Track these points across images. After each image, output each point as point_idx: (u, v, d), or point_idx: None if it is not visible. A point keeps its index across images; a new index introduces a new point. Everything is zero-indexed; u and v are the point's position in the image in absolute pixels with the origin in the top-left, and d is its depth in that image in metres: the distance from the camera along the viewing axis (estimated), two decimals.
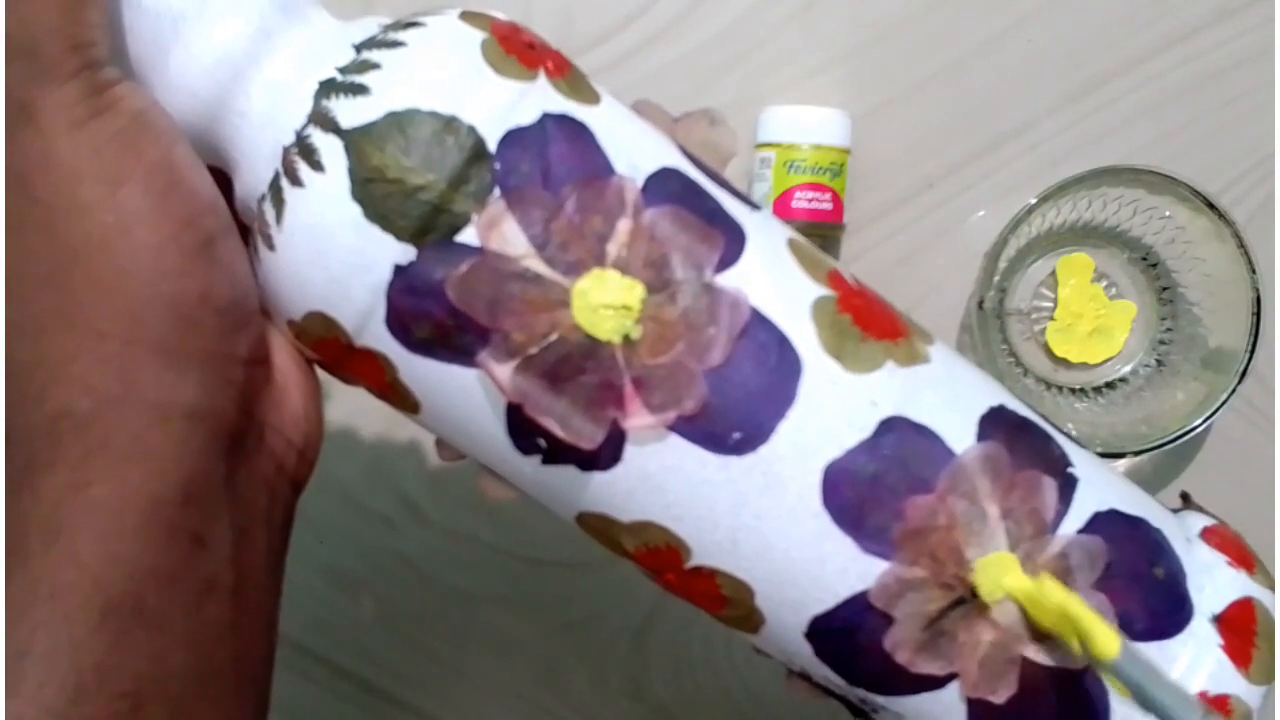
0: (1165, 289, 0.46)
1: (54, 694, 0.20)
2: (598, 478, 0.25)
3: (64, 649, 0.20)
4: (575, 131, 0.25)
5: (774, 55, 0.47)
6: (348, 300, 0.24)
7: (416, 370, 0.25)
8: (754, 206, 0.27)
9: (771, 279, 0.25)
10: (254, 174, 0.25)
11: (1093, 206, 0.45)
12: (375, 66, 0.24)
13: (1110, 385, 0.47)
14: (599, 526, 0.27)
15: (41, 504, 0.21)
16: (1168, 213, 0.43)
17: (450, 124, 0.23)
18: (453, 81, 0.24)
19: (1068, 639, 0.24)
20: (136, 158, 0.22)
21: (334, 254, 0.24)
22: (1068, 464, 0.27)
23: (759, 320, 0.25)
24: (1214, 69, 0.46)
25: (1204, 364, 0.43)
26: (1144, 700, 0.23)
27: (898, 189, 0.47)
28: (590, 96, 0.26)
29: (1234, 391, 0.41)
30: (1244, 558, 0.28)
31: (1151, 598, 0.26)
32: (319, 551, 0.47)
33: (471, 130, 0.23)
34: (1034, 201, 0.42)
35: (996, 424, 0.26)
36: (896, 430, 0.25)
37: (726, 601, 0.26)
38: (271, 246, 0.24)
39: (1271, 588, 0.28)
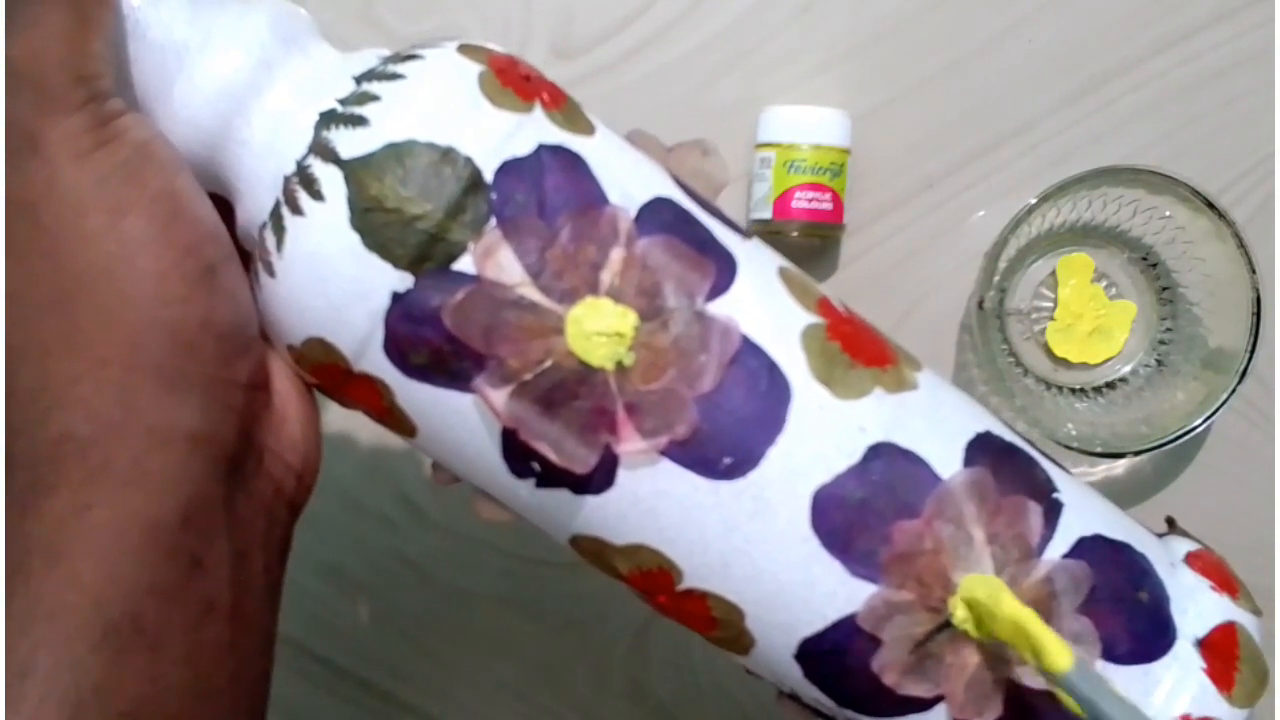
0: (1165, 289, 0.46)
1: (53, 712, 0.20)
2: (591, 501, 0.26)
3: (64, 668, 0.21)
4: (570, 162, 0.25)
5: (774, 55, 0.47)
6: (347, 326, 0.24)
7: (413, 395, 0.25)
8: (745, 235, 0.28)
9: (762, 307, 0.26)
10: (255, 202, 0.25)
11: (1093, 206, 0.45)
12: (375, 98, 0.24)
13: (1110, 385, 0.47)
14: (593, 549, 0.27)
15: (44, 525, 0.21)
16: (1168, 213, 0.43)
17: (447, 155, 0.24)
18: (450, 113, 0.24)
19: (1021, 651, 0.25)
20: (140, 187, 0.22)
21: (333, 281, 0.24)
22: (1053, 489, 0.27)
23: (749, 347, 0.25)
24: (1214, 69, 0.46)
25: (1204, 364, 0.43)
26: (1095, 717, 0.24)
27: (898, 189, 0.47)
28: (585, 127, 0.26)
29: (1234, 391, 0.41)
30: (1227, 582, 0.29)
31: (1135, 621, 0.26)
32: (319, 551, 0.47)
33: (468, 161, 0.24)
34: (1034, 201, 0.42)
35: (983, 450, 0.27)
36: (884, 456, 0.26)
37: (717, 623, 0.27)
38: (272, 273, 0.25)
39: (1255, 612, 0.28)
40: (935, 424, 0.27)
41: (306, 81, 0.25)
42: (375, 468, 0.47)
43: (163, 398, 0.22)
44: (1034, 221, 0.43)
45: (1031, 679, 0.26)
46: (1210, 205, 0.41)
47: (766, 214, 0.44)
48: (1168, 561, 0.28)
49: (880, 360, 0.27)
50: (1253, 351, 0.41)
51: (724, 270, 0.26)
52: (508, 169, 0.24)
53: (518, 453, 0.25)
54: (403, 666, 0.48)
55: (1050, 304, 0.47)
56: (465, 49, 0.26)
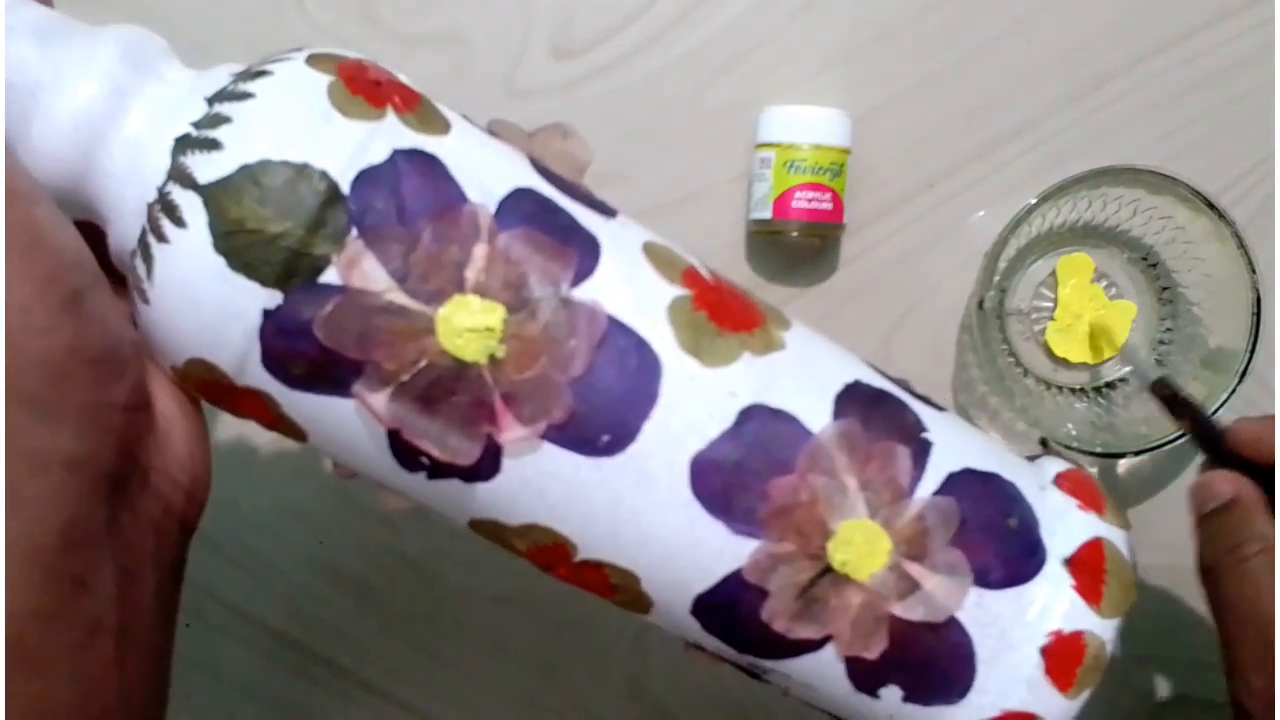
0: (1165, 289, 0.46)
1: None
2: (481, 488, 0.27)
3: None
4: (426, 165, 0.26)
5: (774, 55, 0.47)
6: (223, 346, 0.25)
7: (298, 405, 0.26)
8: (609, 214, 0.28)
9: (626, 286, 0.27)
10: (124, 230, 0.26)
11: (1093, 206, 0.45)
12: (226, 120, 0.25)
13: (1110, 385, 0.47)
14: (490, 531, 0.28)
15: None
16: (1168, 213, 0.43)
17: (302, 171, 0.24)
18: (301, 129, 0.25)
19: None
20: None
21: (205, 304, 0.25)
22: (921, 430, 0.29)
23: (617, 327, 0.26)
24: (1214, 69, 0.46)
25: (1204, 364, 0.43)
26: None
27: (898, 189, 0.47)
28: (440, 127, 0.27)
29: (1234, 391, 0.41)
30: (1094, 500, 0.30)
31: (1005, 547, 0.28)
32: (319, 551, 0.47)
33: (323, 175, 0.24)
34: (1034, 201, 0.42)
35: (851, 400, 0.28)
36: (756, 418, 0.27)
37: (616, 589, 0.28)
38: (146, 300, 0.25)
39: (1122, 526, 0.30)
40: (804, 380, 0.28)
41: (161, 107, 0.25)
42: None
43: (36, 426, 0.22)
44: (1034, 221, 0.43)
45: (911, 612, 0.27)
46: (1210, 205, 0.41)
47: (766, 214, 0.44)
48: (1037, 485, 0.30)
49: (747, 324, 0.28)
50: (1253, 351, 0.41)
51: (586, 254, 0.27)
52: (363, 179, 0.25)
53: (404, 451, 0.26)
54: (403, 666, 0.48)
55: (1050, 304, 0.47)
56: (314, 59, 0.26)
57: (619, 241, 0.28)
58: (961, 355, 0.47)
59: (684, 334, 0.27)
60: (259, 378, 0.25)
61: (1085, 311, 0.46)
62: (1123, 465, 0.46)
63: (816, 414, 0.27)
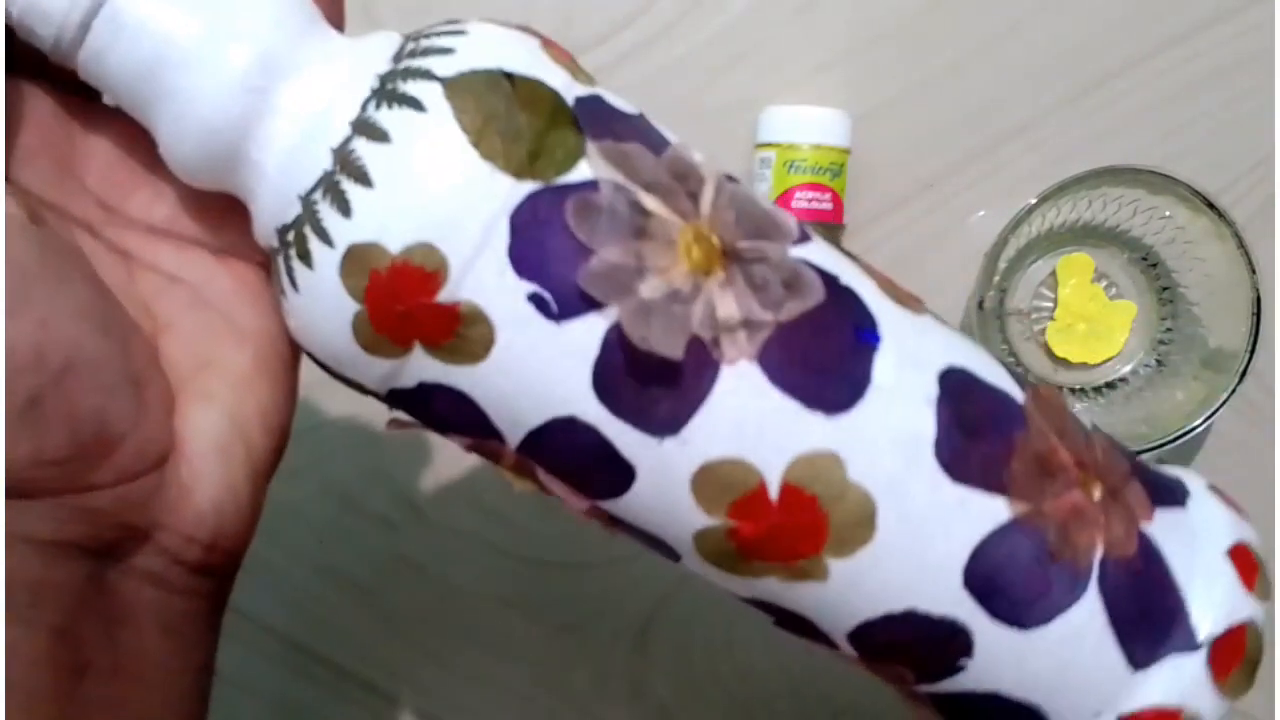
0: (1165, 289, 0.46)
1: None
2: None
3: None
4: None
5: (774, 55, 0.47)
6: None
7: None
8: (672, 429, 0.23)
9: (657, 518, 0.24)
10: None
11: (1093, 206, 0.45)
12: (293, 276, 0.24)
13: (1110, 385, 0.47)
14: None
15: None
16: (1168, 213, 0.43)
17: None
18: (333, 358, 0.25)
19: None
20: None
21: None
22: (960, 659, 0.25)
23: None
24: (1214, 69, 0.46)
25: (1204, 364, 0.43)
26: None
27: (898, 189, 0.47)
28: (474, 354, 0.23)
29: (1234, 391, 0.41)
30: (1226, 667, 0.25)
31: None
32: (319, 552, 0.47)
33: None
34: (1034, 201, 0.42)
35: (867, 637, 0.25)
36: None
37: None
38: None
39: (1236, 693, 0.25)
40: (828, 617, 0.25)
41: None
42: (375, 468, 0.47)
43: (5, 521, 0.21)
44: (1034, 221, 0.43)
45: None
46: (1210, 205, 0.41)
47: None
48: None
49: (791, 555, 0.24)
50: (1253, 351, 0.41)
51: (617, 482, 0.24)
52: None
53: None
54: (403, 666, 0.48)
55: (1050, 304, 0.47)
56: (348, 266, 0.23)
57: (662, 472, 0.24)
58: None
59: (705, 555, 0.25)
60: None
61: (1085, 311, 0.46)
62: None
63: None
